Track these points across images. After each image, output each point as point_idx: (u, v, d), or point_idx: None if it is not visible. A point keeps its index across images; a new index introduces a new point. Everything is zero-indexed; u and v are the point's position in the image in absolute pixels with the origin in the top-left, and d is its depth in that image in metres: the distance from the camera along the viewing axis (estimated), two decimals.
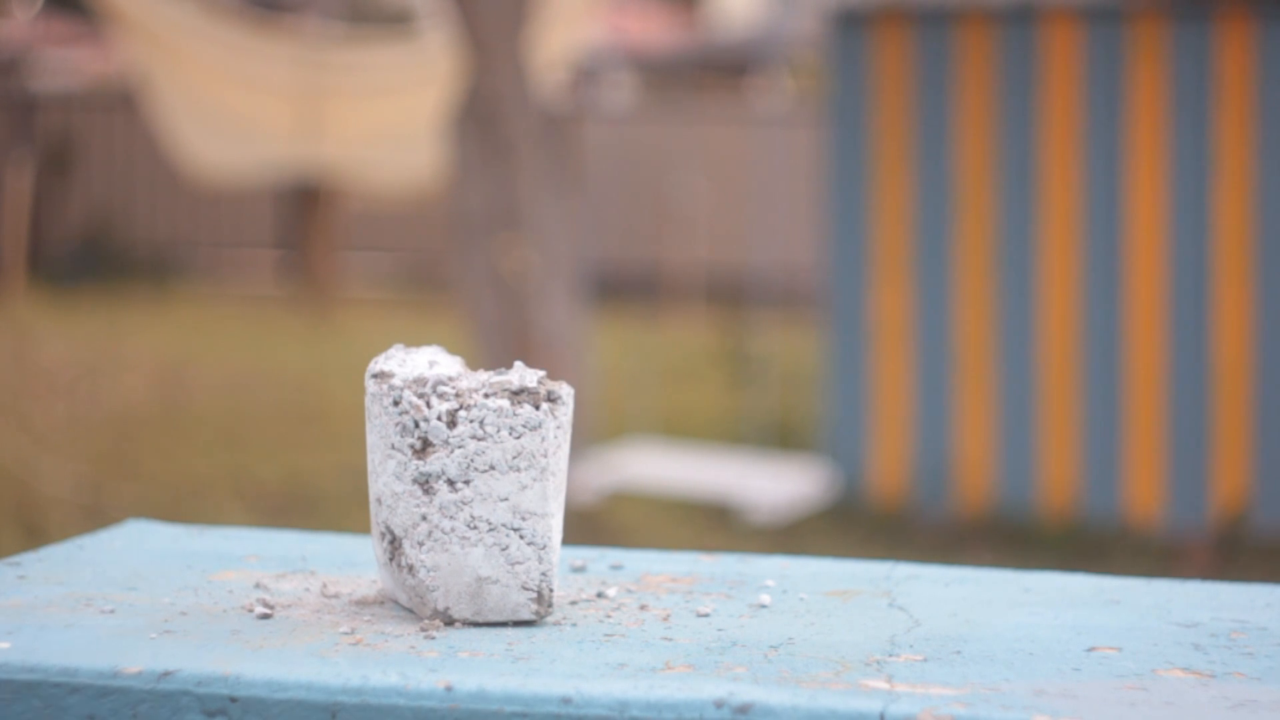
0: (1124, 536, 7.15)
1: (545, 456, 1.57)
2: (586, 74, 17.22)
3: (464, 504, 1.56)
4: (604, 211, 15.79)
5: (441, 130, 7.69)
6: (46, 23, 18.24)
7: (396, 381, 1.59)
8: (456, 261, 7.31)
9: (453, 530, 1.56)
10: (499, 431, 1.56)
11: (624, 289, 15.21)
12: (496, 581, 1.56)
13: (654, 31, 20.00)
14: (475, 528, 1.56)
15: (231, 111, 12.68)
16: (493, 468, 1.56)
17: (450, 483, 1.56)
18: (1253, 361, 7.11)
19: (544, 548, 1.57)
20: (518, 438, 1.56)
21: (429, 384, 1.58)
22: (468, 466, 1.56)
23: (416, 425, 1.56)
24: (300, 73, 12.61)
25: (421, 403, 1.56)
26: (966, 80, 7.45)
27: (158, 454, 8.48)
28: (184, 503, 7.24)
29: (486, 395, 1.57)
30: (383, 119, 12.83)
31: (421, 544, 1.56)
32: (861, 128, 7.61)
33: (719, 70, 18.81)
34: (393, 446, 1.57)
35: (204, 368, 10.50)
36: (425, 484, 1.56)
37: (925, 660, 1.45)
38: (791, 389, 9.68)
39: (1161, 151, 7.19)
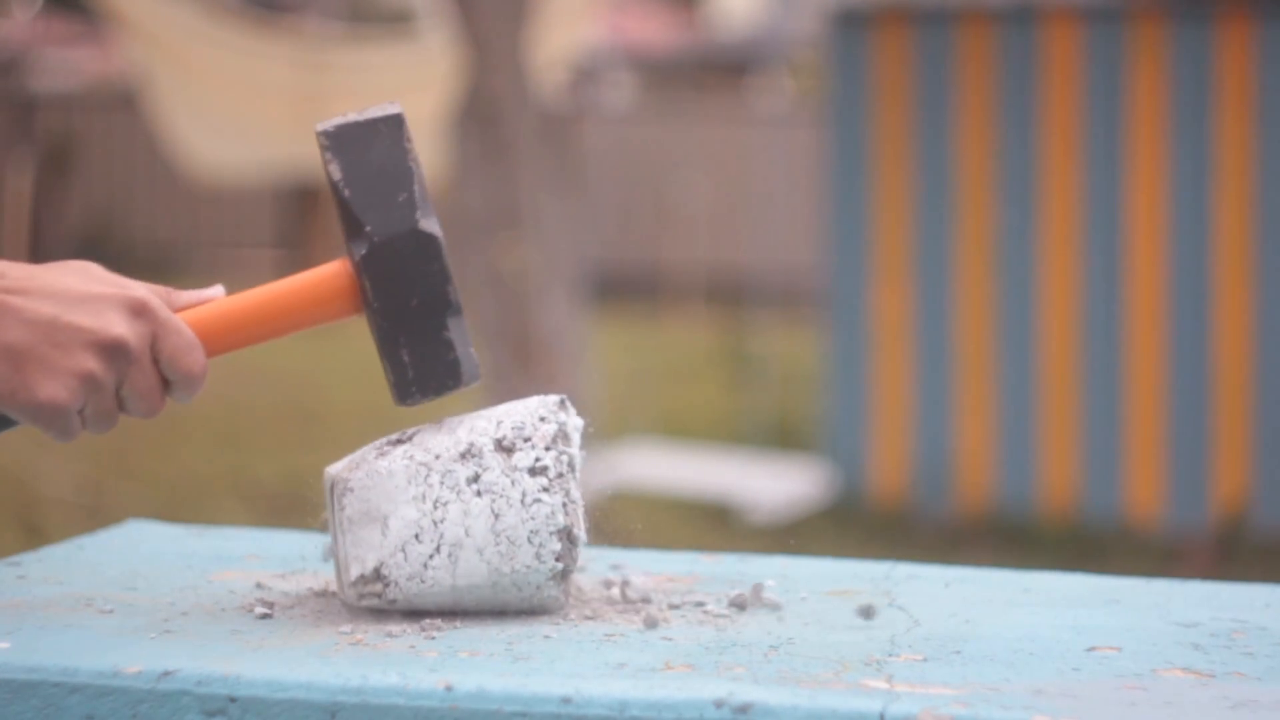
0: (1124, 536, 7.15)
1: None
2: (586, 74, 17.22)
3: None
4: (604, 211, 15.79)
5: (442, 130, 7.69)
6: (46, 23, 18.23)
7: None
8: (456, 261, 7.30)
9: None
10: None
11: (624, 289, 15.21)
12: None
13: (654, 31, 20.01)
14: None
15: (231, 111, 12.67)
16: None
17: None
18: (1253, 361, 7.11)
19: None
20: None
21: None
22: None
23: None
24: (300, 73, 12.61)
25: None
26: (966, 80, 7.44)
27: (158, 454, 8.48)
28: (184, 503, 7.24)
29: None
30: None
31: None
32: (861, 128, 7.60)
33: (719, 70, 18.82)
34: None
35: None
36: None
37: (925, 660, 1.45)
38: (791, 389, 9.68)
39: (1161, 151, 7.19)
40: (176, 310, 1.56)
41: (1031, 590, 1.73)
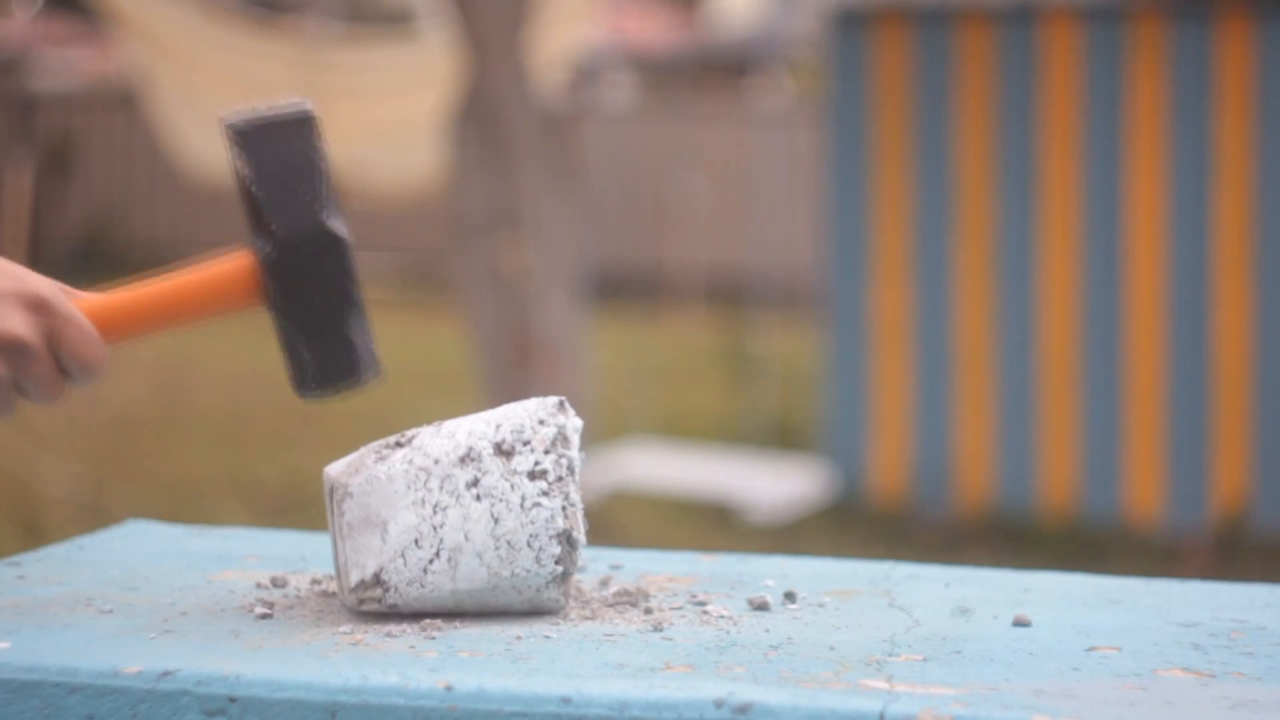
0: (1124, 536, 7.15)
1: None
2: (586, 74, 17.22)
3: None
4: (604, 211, 15.79)
5: (441, 130, 7.69)
6: (46, 23, 18.23)
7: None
8: (456, 261, 7.31)
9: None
10: None
11: (624, 289, 15.21)
12: None
13: (654, 31, 20.01)
14: None
15: (231, 112, 12.66)
16: None
17: None
18: (1253, 361, 7.11)
19: None
20: None
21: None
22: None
23: None
24: (300, 73, 12.60)
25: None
26: (966, 80, 7.44)
27: (158, 454, 8.48)
28: (184, 503, 7.24)
29: None
30: (383, 119, 12.81)
31: None
32: (861, 128, 7.61)
33: (719, 70, 18.82)
34: None
35: (204, 368, 10.50)
36: None
37: (925, 660, 1.45)
38: (791, 389, 9.68)
39: (1161, 151, 7.19)
40: (76, 301, 1.58)
41: (1031, 590, 1.73)
